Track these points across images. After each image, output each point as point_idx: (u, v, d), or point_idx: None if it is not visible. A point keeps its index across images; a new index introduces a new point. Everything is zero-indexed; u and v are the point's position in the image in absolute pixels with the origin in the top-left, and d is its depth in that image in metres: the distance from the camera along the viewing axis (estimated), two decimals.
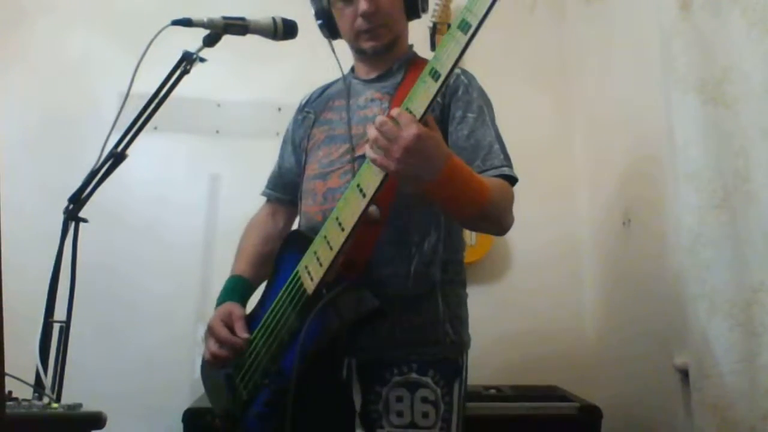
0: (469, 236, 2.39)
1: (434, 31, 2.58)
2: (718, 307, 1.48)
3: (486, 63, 2.70)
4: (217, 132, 2.51)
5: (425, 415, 1.23)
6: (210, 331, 1.32)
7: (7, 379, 0.77)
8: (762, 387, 1.40)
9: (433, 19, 2.58)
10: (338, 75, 1.45)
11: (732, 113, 1.51)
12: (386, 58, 1.41)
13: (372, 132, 1.03)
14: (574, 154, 2.65)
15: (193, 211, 2.43)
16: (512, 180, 1.28)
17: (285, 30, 1.35)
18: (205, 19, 1.30)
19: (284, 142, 1.58)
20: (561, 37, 2.74)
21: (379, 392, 1.24)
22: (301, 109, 1.55)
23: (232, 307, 1.35)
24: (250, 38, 1.35)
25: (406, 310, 1.26)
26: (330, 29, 1.41)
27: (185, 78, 1.32)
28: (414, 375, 1.24)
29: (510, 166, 1.29)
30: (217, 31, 1.31)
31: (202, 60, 1.33)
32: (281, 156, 1.58)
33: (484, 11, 0.94)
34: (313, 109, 1.49)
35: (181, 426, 1.79)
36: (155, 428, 2.12)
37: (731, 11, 1.52)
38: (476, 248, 2.42)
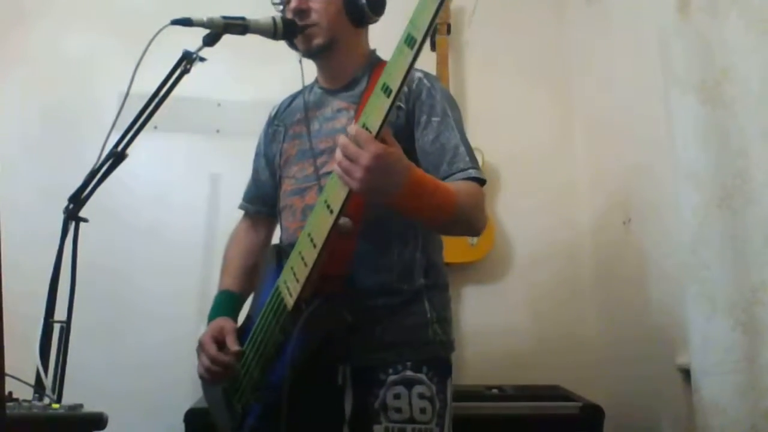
0: (479, 235, 2.39)
1: (434, 31, 2.57)
2: (719, 307, 1.48)
3: (486, 63, 2.71)
4: (218, 131, 2.51)
5: (423, 410, 1.25)
6: (201, 348, 1.34)
7: (7, 379, 0.77)
8: (763, 386, 1.40)
9: None
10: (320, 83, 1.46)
11: (731, 113, 1.51)
12: (336, 63, 1.42)
13: (338, 153, 1.05)
14: (575, 154, 2.65)
15: (193, 211, 2.43)
16: (480, 181, 1.29)
17: (285, 30, 1.35)
18: (205, 19, 1.30)
19: (257, 155, 1.59)
20: (561, 38, 2.74)
21: (376, 393, 1.25)
22: (271, 122, 1.55)
23: (223, 322, 1.36)
24: (250, 38, 1.35)
25: (395, 315, 1.29)
26: (294, 42, 1.43)
27: (185, 77, 1.32)
28: (409, 372, 1.27)
29: (476, 167, 1.29)
30: (217, 30, 1.31)
31: (202, 59, 1.33)
32: (255, 169, 1.59)
33: (426, 25, 0.95)
34: (282, 123, 1.50)
35: (182, 426, 1.79)
36: (156, 428, 2.12)
37: (729, 12, 1.52)
38: (477, 248, 2.42)
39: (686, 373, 1.69)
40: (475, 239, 2.40)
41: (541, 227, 2.55)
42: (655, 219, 2.03)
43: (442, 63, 2.55)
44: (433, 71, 2.50)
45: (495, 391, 2.11)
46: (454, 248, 2.32)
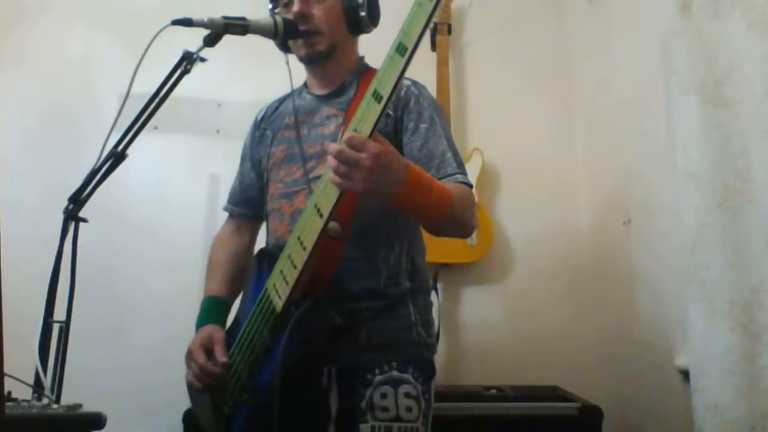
0: (470, 236, 2.39)
1: (435, 31, 2.58)
2: (718, 308, 1.48)
3: (487, 63, 2.71)
4: (218, 132, 2.51)
5: (409, 409, 1.26)
6: (190, 357, 1.34)
7: (6, 379, 0.77)
8: (762, 387, 1.40)
9: (434, 19, 2.57)
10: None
11: (732, 114, 1.51)
12: (330, 69, 1.43)
13: (332, 161, 1.05)
14: (575, 154, 2.65)
15: (193, 210, 2.43)
16: (468, 185, 1.31)
17: (285, 30, 1.35)
18: (206, 19, 1.30)
19: (243, 158, 1.59)
20: (561, 38, 2.74)
21: (362, 393, 1.26)
22: (258, 125, 1.56)
23: (211, 330, 1.37)
24: (251, 38, 1.35)
25: (380, 317, 1.31)
26: (285, 45, 1.44)
27: (185, 78, 1.32)
28: (395, 372, 1.28)
29: (463, 173, 1.31)
30: (218, 30, 1.31)
31: (203, 60, 1.33)
32: (241, 172, 1.59)
33: (418, 35, 0.97)
34: (270, 126, 1.51)
35: (181, 426, 1.79)
36: (155, 428, 2.12)
37: (730, 12, 1.52)
38: (476, 248, 2.42)
39: (685, 373, 1.69)
40: (474, 239, 2.40)
41: (540, 227, 2.55)
42: (655, 219, 2.03)
43: (442, 63, 2.55)
44: (433, 71, 2.52)
45: (493, 391, 2.11)
46: (453, 248, 2.32)
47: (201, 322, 1.42)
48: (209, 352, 1.32)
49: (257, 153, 1.53)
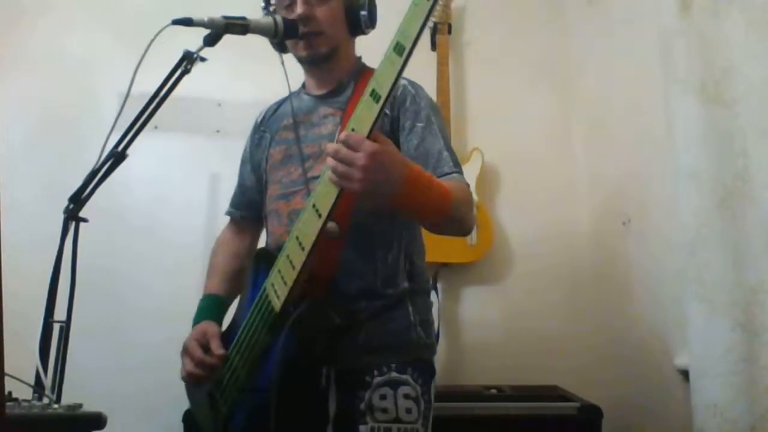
0: (470, 236, 2.39)
1: (435, 31, 2.58)
2: (718, 307, 1.48)
3: (486, 63, 2.71)
4: (218, 132, 2.51)
5: (408, 410, 1.27)
6: (184, 351, 1.35)
7: (6, 379, 0.77)
8: (762, 387, 1.40)
9: (434, 19, 2.58)
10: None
11: (732, 114, 1.52)
12: (330, 70, 1.44)
13: (329, 161, 1.05)
14: (574, 154, 2.65)
15: (193, 210, 2.43)
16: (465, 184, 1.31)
17: (285, 30, 1.35)
18: (206, 19, 1.30)
19: (243, 161, 1.60)
20: (561, 38, 2.74)
21: (362, 396, 1.27)
22: (257, 128, 1.57)
23: (206, 326, 1.37)
24: (251, 38, 1.35)
25: (379, 318, 1.31)
26: (281, 45, 1.44)
27: (186, 77, 1.32)
28: (395, 374, 1.28)
29: (460, 171, 1.31)
30: (218, 30, 1.31)
31: (203, 59, 1.33)
32: (241, 175, 1.60)
33: (415, 34, 0.98)
34: (269, 128, 1.52)
35: (181, 426, 1.79)
36: (155, 428, 2.11)
37: (730, 12, 1.52)
38: (476, 248, 2.42)
39: (685, 373, 1.69)
40: (474, 239, 2.40)
41: (540, 227, 2.55)
42: (654, 219, 2.03)
43: (442, 63, 2.55)
44: (433, 71, 2.52)
45: (493, 391, 2.11)
46: (453, 248, 2.32)
47: (197, 319, 1.42)
48: (205, 348, 1.32)
49: (257, 156, 1.54)
